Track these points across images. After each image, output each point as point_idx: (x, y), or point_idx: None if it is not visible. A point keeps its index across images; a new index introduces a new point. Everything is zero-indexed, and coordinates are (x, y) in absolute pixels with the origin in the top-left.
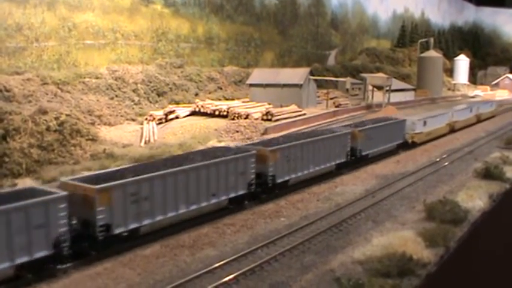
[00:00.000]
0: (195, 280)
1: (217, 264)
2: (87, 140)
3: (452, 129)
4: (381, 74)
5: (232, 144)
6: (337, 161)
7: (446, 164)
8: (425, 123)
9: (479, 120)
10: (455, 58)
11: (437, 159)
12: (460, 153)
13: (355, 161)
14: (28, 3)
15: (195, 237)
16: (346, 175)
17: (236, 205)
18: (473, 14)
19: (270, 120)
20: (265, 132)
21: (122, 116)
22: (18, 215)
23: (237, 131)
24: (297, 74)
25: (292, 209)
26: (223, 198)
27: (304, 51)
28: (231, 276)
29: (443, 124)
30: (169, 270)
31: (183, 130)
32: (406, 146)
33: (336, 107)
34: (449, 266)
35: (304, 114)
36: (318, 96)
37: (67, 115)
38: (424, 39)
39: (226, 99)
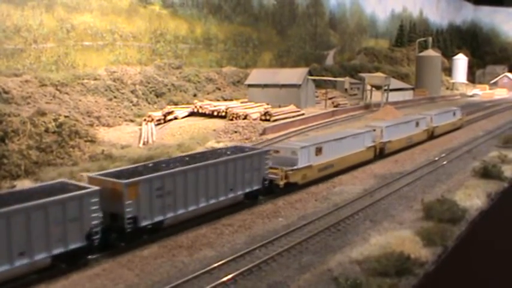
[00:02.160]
0: (193, 280)
1: (215, 265)
2: (85, 141)
3: (381, 153)
4: (379, 74)
5: (230, 145)
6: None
7: (444, 163)
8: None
9: (431, 137)
10: (454, 57)
11: (436, 159)
12: (458, 152)
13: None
14: (26, 5)
15: (193, 237)
16: (345, 175)
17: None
18: (471, 13)
19: (268, 120)
20: (264, 132)
21: (120, 117)
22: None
23: (236, 132)
24: (295, 74)
25: (290, 209)
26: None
27: (303, 51)
28: (229, 277)
29: (361, 149)
30: (167, 270)
31: (182, 131)
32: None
33: (335, 107)
34: (447, 265)
35: (303, 114)
36: (317, 96)
37: (65, 116)
38: (422, 39)
39: (225, 100)
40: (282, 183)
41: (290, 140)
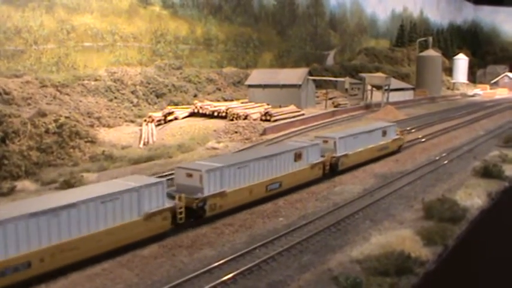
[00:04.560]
0: (193, 280)
1: (215, 264)
2: (86, 142)
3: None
4: (379, 74)
5: (230, 145)
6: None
7: (445, 162)
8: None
9: (330, 169)
10: (455, 57)
11: (437, 158)
12: (459, 152)
13: None
14: (27, 7)
15: (193, 237)
16: (345, 174)
17: None
18: (472, 13)
19: (268, 120)
20: (264, 132)
21: (120, 117)
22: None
23: (236, 132)
24: (295, 75)
25: (291, 209)
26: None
27: (303, 51)
28: (229, 276)
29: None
30: (167, 270)
31: (182, 131)
32: None
33: (335, 107)
34: (447, 264)
35: (303, 114)
36: (317, 97)
37: (66, 117)
38: (423, 39)
39: (225, 100)
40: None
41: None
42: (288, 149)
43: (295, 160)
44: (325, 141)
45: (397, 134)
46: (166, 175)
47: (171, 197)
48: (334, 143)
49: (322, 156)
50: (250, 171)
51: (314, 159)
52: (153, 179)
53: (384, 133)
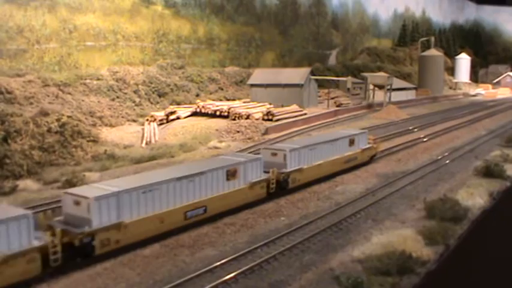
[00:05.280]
0: (195, 279)
1: (216, 264)
2: (88, 141)
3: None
4: (382, 73)
5: (232, 144)
6: None
7: (447, 162)
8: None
9: (278, 187)
10: (457, 57)
11: (438, 158)
12: (461, 152)
13: None
14: (29, 6)
15: (195, 237)
16: (347, 174)
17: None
18: (474, 13)
19: (271, 120)
20: (266, 132)
21: (123, 117)
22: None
23: (238, 131)
24: (298, 74)
25: (293, 208)
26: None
27: (305, 51)
28: (231, 276)
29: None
30: (168, 270)
31: (184, 131)
32: None
33: (337, 106)
34: (449, 264)
35: (305, 114)
36: (319, 96)
37: (68, 117)
38: (425, 38)
39: (227, 100)
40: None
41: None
42: (218, 166)
43: (227, 179)
44: (274, 154)
45: (369, 143)
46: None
47: (50, 229)
48: (284, 156)
49: (267, 172)
50: (162, 195)
51: (254, 176)
52: (19, 211)
53: (352, 142)
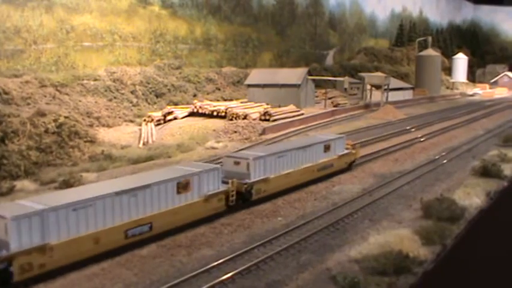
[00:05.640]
0: (192, 280)
1: (213, 264)
2: (85, 141)
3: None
4: (379, 73)
5: (230, 144)
6: None
7: (444, 162)
8: None
9: (240, 199)
10: (454, 56)
11: (436, 157)
12: (458, 151)
13: None
14: (26, 6)
15: (191, 237)
16: (344, 174)
17: None
18: (471, 12)
19: (268, 120)
20: (264, 132)
21: (120, 117)
22: None
23: (235, 132)
24: (295, 74)
25: (290, 209)
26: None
27: (303, 51)
28: (228, 276)
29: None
30: (165, 270)
31: (182, 131)
32: None
33: (335, 106)
34: (445, 263)
35: (303, 114)
36: (317, 96)
37: (65, 117)
38: (422, 38)
39: (225, 100)
40: None
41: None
42: (167, 178)
43: (178, 192)
44: (237, 163)
45: (347, 148)
46: None
47: None
48: (247, 164)
49: (225, 182)
50: (97, 212)
51: (211, 188)
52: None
53: (327, 148)
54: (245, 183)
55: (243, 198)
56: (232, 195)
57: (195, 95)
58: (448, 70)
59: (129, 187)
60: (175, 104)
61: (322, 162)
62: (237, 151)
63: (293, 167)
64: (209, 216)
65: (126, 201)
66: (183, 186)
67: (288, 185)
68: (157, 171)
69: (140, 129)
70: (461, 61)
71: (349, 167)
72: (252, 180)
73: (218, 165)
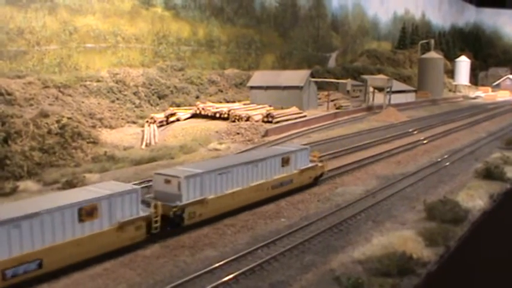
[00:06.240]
0: (195, 280)
1: (217, 265)
2: (88, 142)
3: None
4: (381, 76)
5: (232, 146)
6: None
7: (447, 164)
8: None
9: (169, 225)
10: (456, 59)
11: (438, 160)
12: (461, 154)
13: None
14: (29, 8)
15: (195, 237)
16: (347, 176)
17: None
18: (474, 15)
19: (270, 122)
20: (266, 134)
21: (123, 118)
22: None
23: (238, 133)
24: (297, 76)
25: (293, 210)
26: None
27: (305, 53)
28: (231, 276)
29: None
30: (169, 270)
31: (184, 132)
32: None
33: (337, 108)
34: (449, 265)
35: (305, 116)
36: (319, 98)
37: (68, 118)
38: (424, 41)
39: (227, 102)
40: None
41: None
42: (65, 204)
43: (80, 220)
44: (167, 181)
45: (313, 161)
46: None
47: None
48: (178, 184)
49: (147, 204)
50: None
51: (126, 214)
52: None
53: (286, 161)
54: (174, 206)
55: (171, 224)
56: (156, 221)
57: (197, 97)
58: (451, 73)
59: (12, 216)
60: (178, 105)
61: (278, 178)
62: (172, 168)
63: (240, 185)
64: (126, 247)
65: (4, 234)
66: (87, 212)
67: (234, 206)
68: (57, 194)
69: (143, 131)
70: (463, 64)
71: (315, 182)
72: (184, 202)
73: (137, 187)
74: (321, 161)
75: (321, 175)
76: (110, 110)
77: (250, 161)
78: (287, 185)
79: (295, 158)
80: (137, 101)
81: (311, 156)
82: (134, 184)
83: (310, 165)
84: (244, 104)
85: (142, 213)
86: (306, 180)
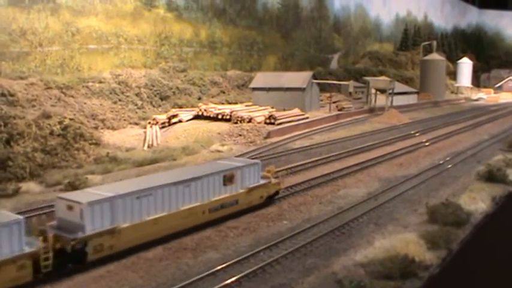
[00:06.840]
0: (198, 282)
1: (219, 267)
2: (90, 144)
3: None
4: (383, 77)
5: (235, 148)
6: None
7: (449, 166)
8: None
9: (65, 261)
10: (459, 61)
11: (440, 162)
12: (463, 156)
13: None
14: (32, 9)
15: (197, 240)
16: (349, 178)
17: None
18: (476, 17)
19: (273, 123)
20: (268, 135)
21: (125, 120)
22: None
23: (240, 135)
24: (299, 78)
25: (295, 212)
26: None
27: (307, 54)
28: (233, 279)
29: None
30: (172, 272)
31: (186, 134)
32: None
33: (339, 110)
34: (451, 268)
35: (307, 117)
36: (321, 100)
37: (70, 119)
38: (427, 42)
39: (229, 103)
40: None
41: None
42: None
43: None
44: (70, 207)
45: (265, 177)
46: None
47: None
48: (81, 211)
49: (34, 237)
50: None
51: (5, 251)
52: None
53: (229, 179)
54: (73, 239)
55: (71, 260)
56: (47, 259)
57: (199, 98)
58: (453, 75)
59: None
60: (180, 106)
61: (218, 199)
62: (80, 191)
63: (166, 210)
64: None
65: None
66: None
67: (157, 235)
68: None
69: (145, 132)
70: (466, 66)
71: (268, 201)
72: (88, 233)
73: (20, 217)
74: (276, 177)
75: (276, 193)
76: (112, 111)
77: (180, 180)
78: (230, 206)
79: (241, 175)
80: (139, 102)
81: (264, 171)
82: (24, 213)
83: (262, 182)
84: (247, 106)
85: (27, 249)
86: (256, 201)
